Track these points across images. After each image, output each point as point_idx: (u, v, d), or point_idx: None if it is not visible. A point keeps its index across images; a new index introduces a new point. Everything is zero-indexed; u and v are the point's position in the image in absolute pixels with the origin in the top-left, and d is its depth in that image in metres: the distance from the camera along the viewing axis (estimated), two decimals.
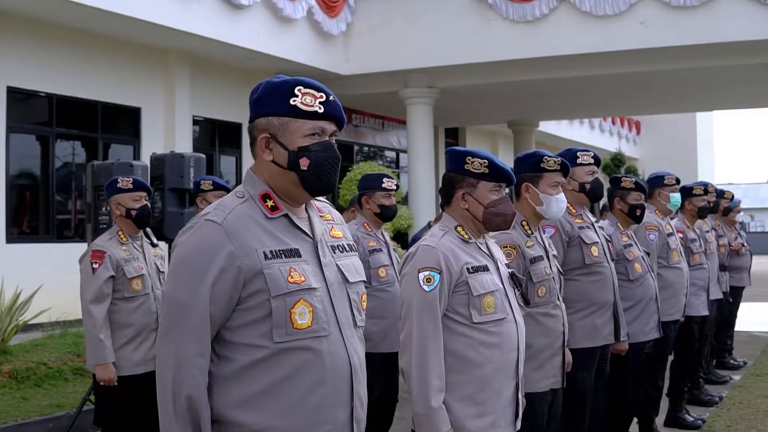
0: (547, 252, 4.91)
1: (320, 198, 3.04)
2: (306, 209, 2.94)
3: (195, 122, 16.41)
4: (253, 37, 15.46)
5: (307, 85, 2.82)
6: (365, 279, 3.07)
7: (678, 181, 7.72)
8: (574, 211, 5.81)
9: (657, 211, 7.66)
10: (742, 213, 12.01)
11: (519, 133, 23.87)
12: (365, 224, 6.70)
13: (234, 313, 2.71)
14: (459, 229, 3.99)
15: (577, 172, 5.82)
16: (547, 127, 26.50)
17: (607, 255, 5.81)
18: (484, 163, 3.96)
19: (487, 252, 4.00)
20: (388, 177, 6.75)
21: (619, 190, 6.84)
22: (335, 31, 17.09)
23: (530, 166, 4.97)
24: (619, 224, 6.79)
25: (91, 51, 14.07)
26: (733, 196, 10.97)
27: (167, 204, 8.07)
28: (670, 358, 8.16)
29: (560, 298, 4.92)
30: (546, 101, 20.74)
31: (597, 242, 5.75)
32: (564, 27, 16.03)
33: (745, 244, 11.59)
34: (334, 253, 2.91)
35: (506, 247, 4.72)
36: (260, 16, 15.64)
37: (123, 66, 14.72)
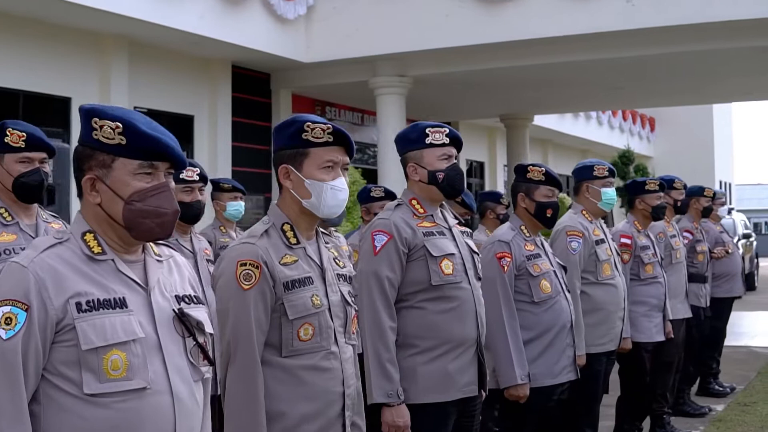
0: (323, 271, 3.29)
1: None
2: None
3: None
4: (195, 20, 13.85)
5: None
6: None
7: (612, 172, 6.07)
8: (421, 211, 4.20)
9: (585, 212, 6.03)
10: (725, 209, 10.25)
11: (512, 128, 22.02)
12: None
13: None
14: (87, 237, 2.40)
15: (425, 157, 4.21)
16: (548, 122, 24.72)
17: (470, 273, 4.18)
18: (118, 127, 2.36)
19: (136, 278, 2.41)
20: (190, 165, 5.22)
21: (525, 183, 5.22)
22: (291, 15, 15.44)
23: (289, 139, 3.29)
24: (523, 228, 5.17)
25: (10, 35, 12.55)
26: (714, 194, 9.26)
27: None
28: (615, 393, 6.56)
29: (345, 340, 3.30)
30: (536, 92, 18.93)
31: (453, 254, 4.12)
32: (544, 7, 14.30)
33: (731, 247, 9.87)
34: None
35: (245, 265, 3.11)
36: None
37: (49, 52, 13.14)
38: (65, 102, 13.58)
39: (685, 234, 8.79)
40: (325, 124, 3.27)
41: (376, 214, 6.90)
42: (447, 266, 4.07)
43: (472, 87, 17.88)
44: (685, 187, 7.93)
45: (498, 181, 26.21)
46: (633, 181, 7.10)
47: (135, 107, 14.32)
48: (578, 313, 5.72)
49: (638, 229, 6.92)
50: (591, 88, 18.87)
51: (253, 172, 16.93)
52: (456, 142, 4.23)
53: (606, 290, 5.90)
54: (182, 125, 15.81)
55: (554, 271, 5.11)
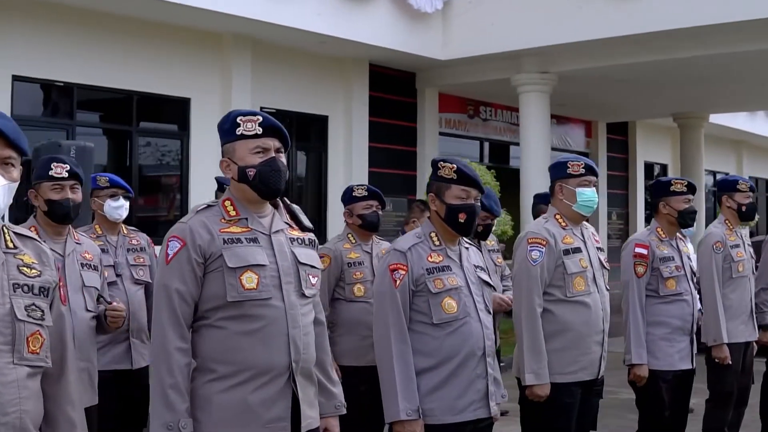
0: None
1: None
2: None
3: None
4: (313, 17, 13.47)
5: None
6: None
7: (591, 169, 5.16)
8: (232, 213, 3.56)
9: (558, 216, 5.16)
10: None
11: (686, 128, 20.49)
12: (33, 227, 4.86)
13: None
14: None
15: (237, 150, 3.55)
16: (737, 122, 22.96)
17: (287, 288, 3.49)
18: None
19: None
20: (59, 160, 4.82)
21: (436, 181, 4.44)
22: (429, 9, 14.88)
23: None
24: (433, 235, 4.38)
25: (126, 38, 12.61)
26: None
27: None
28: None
29: (12, 361, 2.75)
30: (707, 89, 17.44)
31: (263, 266, 3.46)
32: None
33: None
34: None
35: None
36: None
37: (167, 53, 13.13)
38: (184, 102, 13.53)
39: None
40: None
41: (360, 216, 6.24)
42: (249, 280, 3.41)
43: (631, 83, 16.67)
44: (752, 189, 6.81)
45: None
46: (657, 181, 6.11)
47: (261, 107, 14.14)
48: (535, 336, 4.93)
49: (661, 237, 5.94)
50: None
51: (394, 173, 16.46)
52: (273, 131, 3.54)
53: (575, 309, 4.97)
54: (316, 126, 15.54)
55: (468, 288, 4.29)
